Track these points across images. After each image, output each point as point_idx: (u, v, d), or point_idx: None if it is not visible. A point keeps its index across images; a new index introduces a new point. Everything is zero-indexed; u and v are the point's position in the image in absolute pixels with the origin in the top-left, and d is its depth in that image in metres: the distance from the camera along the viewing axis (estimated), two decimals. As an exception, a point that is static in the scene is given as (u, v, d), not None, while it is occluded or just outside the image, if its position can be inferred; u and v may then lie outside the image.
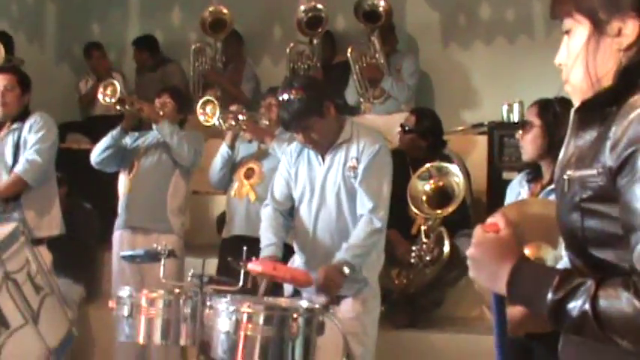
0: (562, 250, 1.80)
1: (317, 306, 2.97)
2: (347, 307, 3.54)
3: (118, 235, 4.86)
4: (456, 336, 4.67)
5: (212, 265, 4.46)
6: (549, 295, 1.43)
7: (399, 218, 4.30)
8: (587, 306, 1.39)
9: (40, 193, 4.48)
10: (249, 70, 7.11)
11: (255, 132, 4.70)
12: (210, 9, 6.94)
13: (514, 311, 1.75)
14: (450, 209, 4.47)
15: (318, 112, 3.52)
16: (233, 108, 4.84)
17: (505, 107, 5.90)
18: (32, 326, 3.37)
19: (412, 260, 4.60)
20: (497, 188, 4.89)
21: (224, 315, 2.84)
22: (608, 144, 1.44)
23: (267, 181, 4.25)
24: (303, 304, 3.02)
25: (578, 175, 1.49)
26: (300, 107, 3.48)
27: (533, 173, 3.26)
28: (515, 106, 5.81)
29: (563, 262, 1.71)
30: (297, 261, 3.73)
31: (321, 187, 3.61)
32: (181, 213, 4.85)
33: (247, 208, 4.59)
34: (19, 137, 4.47)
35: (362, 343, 3.53)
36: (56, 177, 4.67)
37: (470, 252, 1.59)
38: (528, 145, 3.22)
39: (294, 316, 2.84)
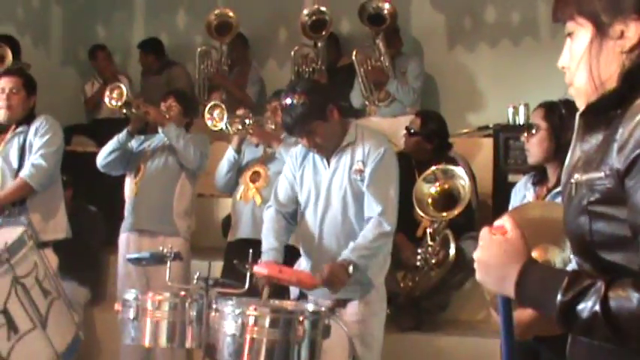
0: (570, 253, 1.79)
1: (323, 309, 2.98)
2: (353, 310, 3.54)
3: (124, 237, 4.87)
4: (462, 339, 4.66)
5: (218, 268, 4.46)
6: (558, 297, 1.42)
7: (404, 221, 4.29)
8: (597, 307, 1.37)
9: (45, 197, 4.48)
10: (254, 73, 7.12)
11: (261, 136, 4.71)
12: (216, 12, 6.95)
13: (523, 315, 1.75)
14: (456, 212, 4.47)
15: (321, 116, 3.52)
16: (239, 112, 4.85)
17: (510, 110, 5.89)
18: (41, 331, 3.38)
19: (418, 263, 4.60)
20: (502, 191, 4.89)
21: (230, 318, 2.85)
22: (615, 146, 1.44)
23: (273, 185, 4.25)
24: (309, 306, 3.02)
25: (586, 179, 1.49)
26: (303, 112, 3.47)
27: (539, 176, 3.26)
28: (521, 109, 5.81)
29: (572, 265, 1.71)
30: (303, 264, 3.72)
31: (326, 191, 3.61)
32: (187, 216, 4.86)
33: (253, 211, 4.59)
34: (24, 140, 4.48)
35: (368, 346, 3.52)
36: (62, 180, 4.68)
37: (477, 254, 1.58)
38: (534, 148, 3.21)
39: (300, 318, 2.84)
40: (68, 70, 7.81)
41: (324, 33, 6.56)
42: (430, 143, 5.00)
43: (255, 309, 2.84)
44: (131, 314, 3.12)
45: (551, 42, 6.16)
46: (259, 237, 3.74)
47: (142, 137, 4.98)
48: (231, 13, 6.92)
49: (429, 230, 4.59)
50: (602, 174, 1.46)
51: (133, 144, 4.91)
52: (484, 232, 1.59)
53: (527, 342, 2.40)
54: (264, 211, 3.82)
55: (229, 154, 4.77)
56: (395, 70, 6.21)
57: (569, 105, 2.97)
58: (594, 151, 1.50)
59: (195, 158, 4.76)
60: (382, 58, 6.18)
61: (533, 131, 3.21)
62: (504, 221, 1.59)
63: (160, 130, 4.81)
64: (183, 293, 3.20)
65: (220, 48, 7.05)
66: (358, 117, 5.67)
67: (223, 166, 4.79)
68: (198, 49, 7.09)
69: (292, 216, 3.75)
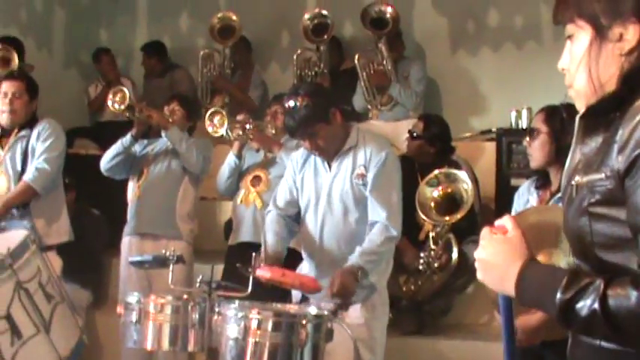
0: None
1: (325, 312, 2.97)
2: (356, 313, 3.53)
3: (126, 241, 4.87)
4: (464, 343, 4.66)
5: (220, 271, 4.46)
6: (558, 295, 1.43)
7: (407, 225, 4.28)
8: (596, 305, 1.39)
9: (48, 201, 4.49)
10: (257, 77, 7.12)
11: (262, 141, 4.71)
12: (219, 15, 6.96)
13: (530, 320, 1.75)
14: (459, 216, 4.47)
15: (323, 118, 3.53)
16: (240, 117, 4.85)
17: (513, 113, 5.90)
18: (44, 335, 3.38)
19: (420, 267, 4.59)
20: (505, 195, 4.89)
21: (232, 321, 2.84)
22: (615, 147, 1.45)
23: (274, 189, 4.25)
24: (312, 310, 3.02)
25: (586, 180, 1.50)
26: (306, 114, 3.48)
27: (542, 180, 3.25)
28: (524, 113, 5.81)
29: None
30: (305, 268, 3.72)
31: (327, 194, 3.61)
32: (190, 219, 4.86)
33: (254, 215, 4.59)
34: (27, 144, 4.49)
35: (370, 350, 3.52)
36: (64, 182, 4.69)
37: (477, 253, 1.59)
38: (536, 152, 3.21)
39: (303, 322, 2.84)
40: (71, 72, 7.81)
41: (326, 37, 6.56)
42: (433, 147, 4.99)
43: (258, 312, 2.84)
44: (133, 317, 3.12)
45: (554, 46, 6.14)
46: (260, 240, 3.74)
47: (145, 141, 4.99)
48: (234, 17, 6.92)
49: (431, 234, 4.59)
50: (602, 175, 1.47)
51: (136, 148, 4.92)
52: (485, 231, 1.60)
53: (532, 347, 2.41)
54: (265, 216, 3.82)
55: (230, 159, 4.77)
56: (397, 74, 6.21)
57: (571, 109, 2.95)
58: (594, 153, 1.51)
59: (198, 162, 4.76)
60: (385, 61, 6.18)
61: (535, 135, 3.21)
62: (505, 221, 1.60)
63: (163, 133, 4.82)
64: (185, 296, 3.19)
65: (223, 51, 7.06)
66: (360, 121, 5.66)
67: (224, 172, 4.80)
68: (201, 53, 7.09)
69: (293, 219, 3.75)
